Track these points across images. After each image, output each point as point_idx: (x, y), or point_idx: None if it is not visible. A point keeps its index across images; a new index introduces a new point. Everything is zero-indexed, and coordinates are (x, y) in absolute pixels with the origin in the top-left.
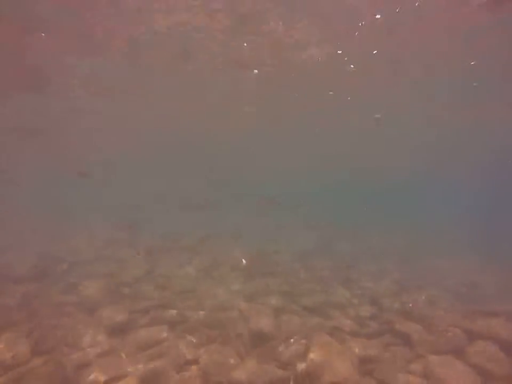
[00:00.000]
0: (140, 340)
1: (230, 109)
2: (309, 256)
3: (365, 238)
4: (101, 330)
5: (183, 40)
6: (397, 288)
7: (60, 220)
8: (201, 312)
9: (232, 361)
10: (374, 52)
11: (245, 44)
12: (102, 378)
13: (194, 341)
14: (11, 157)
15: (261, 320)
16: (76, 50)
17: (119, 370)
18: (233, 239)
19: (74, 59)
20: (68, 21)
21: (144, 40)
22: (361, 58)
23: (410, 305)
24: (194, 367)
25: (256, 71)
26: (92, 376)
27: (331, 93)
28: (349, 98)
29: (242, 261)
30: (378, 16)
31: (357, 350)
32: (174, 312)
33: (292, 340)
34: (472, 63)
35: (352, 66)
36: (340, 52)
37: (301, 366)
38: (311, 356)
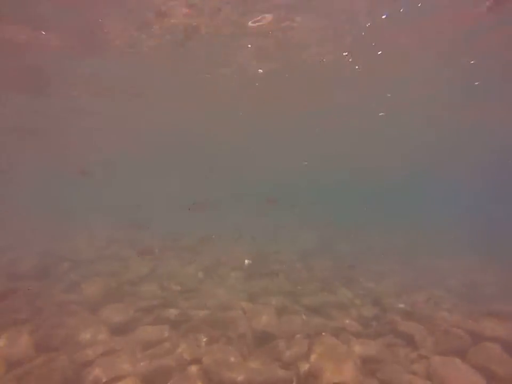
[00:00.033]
0: (142, 338)
1: (230, 109)
2: (310, 256)
3: (365, 238)
4: (104, 329)
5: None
6: (398, 288)
7: (61, 219)
8: (204, 312)
9: (234, 361)
10: (379, 53)
11: (249, 46)
12: (105, 377)
13: (197, 340)
14: (11, 157)
15: (263, 320)
16: (76, 50)
17: (122, 369)
18: (234, 239)
19: (74, 59)
20: (68, 19)
21: (144, 39)
22: (365, 58)
23: (413, 305)
24: (197, 367)
25: (260, 70)
26: (94, 375)
27: (338, 92)
28: (356, 98)
29: (246, 261)
30: (384, 16)
31: (359, 350)
32: (177, 311)
33: (294, 340)
34: (472, 62)
35: (357, 67)
36: (346, 53)
37: (304, 366)
38: (314, 356)
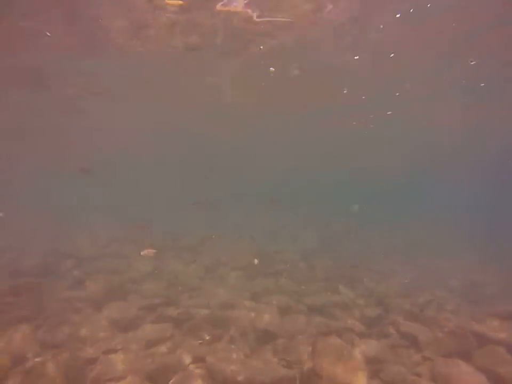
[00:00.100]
0: (146, 336)
1: (230, 109)
2: (311, 255)
3: (366, 238)
4: (107, 326)
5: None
6: (400, 288)
7: (63, 219)
8: (207, 310)
9: (237, 359)
10: (391, 55)
11: (261, 47)
12: (107, 374)
13: (200, 339)
14: (11, 157)
15: (266, 319)
16: (76, 50)
17: (124, 367)
18: (234, 238)
19: (74, 59)
20: (68, 19)
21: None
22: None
23: (416, 306)
24: (200, 365)
25: (272, 68)
26: (97, 372)
27: (345, 91)
28: (363, 97)
29: (256, 261)
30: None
31: (363, 351)
32: (180, 309)
33: (297, 339)
34: (472, 62)
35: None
36: (357, 57)
37: (307, 366)
38: (317, 355)
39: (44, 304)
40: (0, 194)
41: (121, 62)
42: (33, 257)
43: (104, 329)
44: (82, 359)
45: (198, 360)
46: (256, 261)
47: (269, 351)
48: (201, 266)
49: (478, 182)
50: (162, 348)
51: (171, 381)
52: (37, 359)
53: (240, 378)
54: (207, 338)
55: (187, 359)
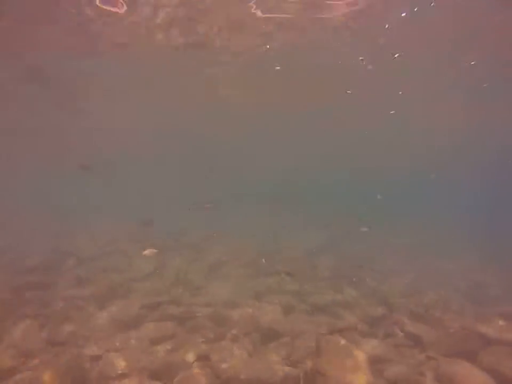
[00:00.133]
0: (149, 334)
1: (230, 108)
2: (314, 255)
3: (368, 237)
4: (110, 324)
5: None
6: (404, 288)
7: (63, 218)
8: (210, 309)
9: (241, 358)
10: (396, 55)
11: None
12: (110, 372)
13: (203, 337)
14: (11, 157)
15: (270, 318)
16: (76, 50)
17: (128, 365)
18: (235, 238)
19: (74, 58)
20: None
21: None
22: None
23: (420, 306)
24: (203, 364)
25: (278, 67)
26: (100, 370)
27: (349, 92)
28: (369, 96)
29: (263, 260)
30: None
31: (367, 350)
32: (183, 308)
33: (301, 338)
34: (472, 63)
35: (370, 67)
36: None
37: (310, 365)
38: (321, 354)
39: (47, 302)
40: (1, 194)
41: (121, 62)
42: (34, 257)
43: (107, 328)
44: (85, 357)
45: (201, 358)
46: (263, 260)
47: (273, 350)
48: (203, 264)
49: (478, 182)
50: (166, 346)
51: (175, 379)
52: (40, 357)
53: (243, 377)
54: (211, 336)
55: (191, 358)
